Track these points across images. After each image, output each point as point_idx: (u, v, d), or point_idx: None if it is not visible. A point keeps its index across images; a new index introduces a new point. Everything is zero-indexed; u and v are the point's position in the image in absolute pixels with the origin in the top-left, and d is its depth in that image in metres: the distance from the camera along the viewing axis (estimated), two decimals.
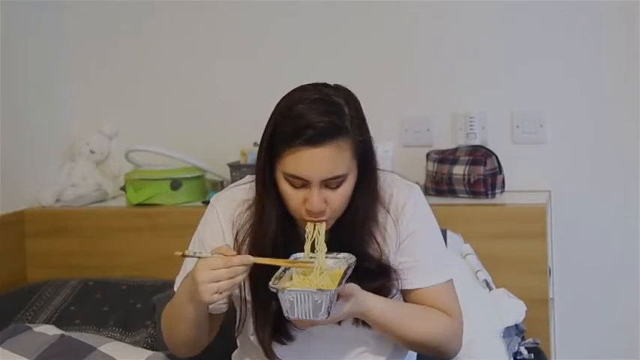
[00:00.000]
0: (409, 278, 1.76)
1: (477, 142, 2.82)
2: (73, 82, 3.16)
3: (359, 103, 1.70)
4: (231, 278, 1.59)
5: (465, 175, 2.71)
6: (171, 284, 1.84)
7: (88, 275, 2.76)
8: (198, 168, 2.96)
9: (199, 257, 1.63)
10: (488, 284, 2.35)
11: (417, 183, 1.86)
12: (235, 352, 1.92)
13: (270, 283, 1.57)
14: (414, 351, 1.86)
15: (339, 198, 1.66)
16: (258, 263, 1.62)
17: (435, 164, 2.78)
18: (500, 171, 2.76)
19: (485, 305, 2.26)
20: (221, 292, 1.60)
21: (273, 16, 3.01)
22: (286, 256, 1.67)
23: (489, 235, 2.58)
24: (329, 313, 1.56)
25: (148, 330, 2.47)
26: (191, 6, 3.07)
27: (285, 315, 1.58)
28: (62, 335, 2.11)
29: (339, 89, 1.70)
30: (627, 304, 2.80)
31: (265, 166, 1.69)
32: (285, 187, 1.66)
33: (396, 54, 2.93)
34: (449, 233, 2.39)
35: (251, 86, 3.02)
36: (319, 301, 1.54)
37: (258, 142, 1.71)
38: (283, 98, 1.69)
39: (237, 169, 2.87)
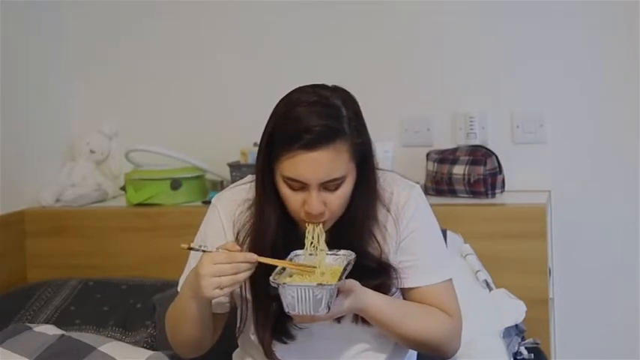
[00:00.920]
0: (409, 277, 1.77)
1: (477, 142, 2.82)
2: (73, 82, 3.16)
3: (357, 104, 1.70)
4: (233, 274, 1.59)
5: (465, 175, 2.71)
6: (172, 284, 1.85)
7: (88, 275, 2.76)
8: (198, 168, 2.96)
9: (204, 251, 1.63)
10: (488, 284, 2.36)
11: (417, 183, 1.86)
12: (236, 351, 1.92)
13: (271, 278, 1.57)
14: (413, 349, 1.86)
15: (337, 200, 1.66)
16: (261, 263, 1.62)
17: (435, 164, 2.78)
18: (500, 171, 2.75)
19: (486, 305, 2.26)
20: (222, 288, 1.60)
21: (273, 16, 3.01)
22: (286, 257, 1.67)
23: (489, 235, 2.58)
24: (329, 308, 1.57)
25: (148, 330, 2.47)
26: (191, 6, 3.07)
27: (286, 310, 1.58)
28: (62, 335, 2.11)
29: (337, 90, 1.70)
30: (627, 304, 2.80)
31: (264, 168, 1.69)
32: (284, 189, 1.67)
33: (396, 54, 2.93)
34: (449, 233, 2.39)
35: (251, 86, 3.02)
36: (320, 296, 1.55)
37: (258, 142, 1.72)
38: (281, 100, 1.69)
39: (237, 169, 2.86)
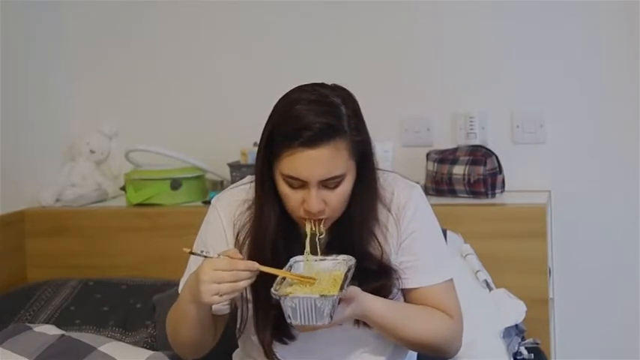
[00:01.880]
0: (410, 277, 1.77)
1: (477, 142, 2.82)
2: (73, 82, 3.16)
3: (357, 103, 1.71)
4: (233, 282, 1.58)
5: (465, 175, 2.71)
6: (172, 284, 1.85)
7: (88, 275, 2.76)
8: (198, 168, 2.96)
9: (205, 257, 1.63)
10: (488, 284, 2.35)
11: (417, 183, 1.86)
12: (236, 351, 1.92)
13: (272, 290, 1.56)
14: (415, 351, 1.86)
15: (337, 198, 1.66)
16: (264, 271, 1.61)
17: (435, 164, 2.78)
18: (500, 171, 2.75)
19: (486, 305, 2.26)
20: (221, 295, 1.59)
21: (273, 16, 3.01)
22: (287, 257, 1.67)
23: (489, 235, 2.58)
24: (331, 318, 1.57)
25: (148, 330, 2.47)
26: (191, 6, 3.07)
27: (288, 321, 1.58)
28: (62, 335, 2.11)
29: (336, 89, 1.70)
30: (627, 304, 2.80)
31: (264, 167, 1.69)
32: (283, 187, 1.67)
33: (396, 54, 2.93)
34: (449, 233, 2.39)
35: (251, 86, 3.02)
36: (321, 307, 1.54)
37: (258, 141, 1.72)
38: (281, 98, 1.70)
39: (237, 169, 2.86)
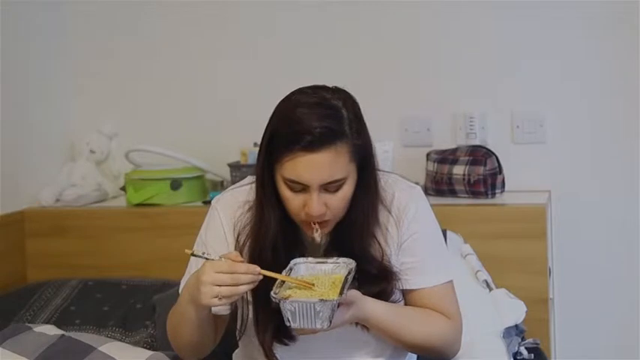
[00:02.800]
0: (410, 279, 1.77)
1: (477, 142, 2.82)
2: (73, 82, 3.16)
3: (358, 105, 1.70)
4: (233, 286, 1.58)
5: (464, 175, 2.71)
6: (172, 284, 1.85)
7: (88, 275, 2.76)
8: (198, 168, 2.96)
9: (207, 258, 1.62)
10: (488, 284, 2.35)
11: (417, 183, 1.86)
12: (236, 351, 1.92)
13: (272, 293, 1.56)
14: (414, 353, 1.86)
15: (338, 201, 1.66)
16: (265, 275, 1.61)
17: (435, 164, 2.78)
18: (500, 171, 2.75)
19: (486, 305, 2.26)
20: (220, 298, 1.58)
21: (273, 16, 3.01)
22: (287, 259, 1.67)
23: (489, 235, 2.58)
24: (331, 322, 1.56)
25: (148, 330, 2.47)
26: (191, 6, 3.07)
27: (287, 324, 1.57)
28: (62, 335, 2.11)
29: (337, 92, 1.69)
30: (627, 304, 2.80)
31: (264, 170, 1.69)
32: (284, 191, 1.66)
33: (396, 54, 2.93)
34: (449, 233, 2.39)
35: (251, 86, 3.02)
36: (321, 311, 1.54)
37: (258, 142, 1.71)
38: (282, 101, 1.69)
39: (237, 169, 2.86)
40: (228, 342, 1.89)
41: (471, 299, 2.03)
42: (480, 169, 2.69)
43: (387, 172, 1.83)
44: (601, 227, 2.81)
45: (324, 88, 1.70)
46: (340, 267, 1.65)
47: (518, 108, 2.86)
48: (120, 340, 2.33)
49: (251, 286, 1.60)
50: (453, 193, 2.74)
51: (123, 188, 3.00)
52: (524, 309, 2.28)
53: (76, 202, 2.96)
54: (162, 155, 2.93)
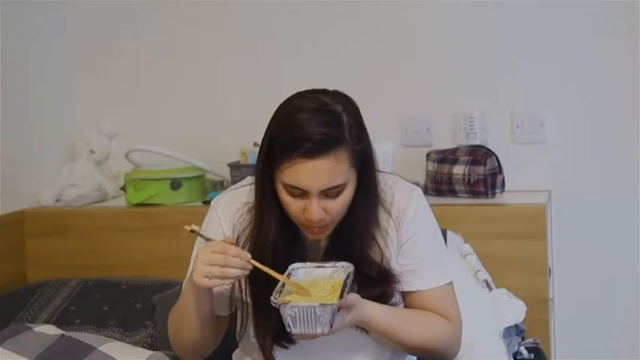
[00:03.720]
0: (410, 281, 1.77)
1: (477, 142, 2.82)
2: (73, 82, 3.16)
3: (358, 110, 1.69)
4: (223, 267, 1.58)
5: (464, 175, 2.71)
6: (172, 284, 1.85)
7: (88, 275, 2.76)
8: (198, 168, 2.96)
9: (207, 239, 1.64)
10: (488, 284, 2.35)
11: (417, 183, 1.86)
12: (236, 351, 1.92)
13: (272, 298, 1.56)
14: (414, 355, 1.86)
15: (338, 206, 1.66)
16: (256, 267, 1.61)
17: (435, 164, 2.78)
18: (500, 171, 2.75)
19: (486, 305, 2.26)
20: (211, 279, 1.59)
21: (273, 16, 3.01)
22: (287, 261, 1.67)
23: (489, 235, 2.58)
24: (331, 326, 1.56)
25: (147, 330, 2.47)
26: (191, 6, 3.07)
27: (287, 329, 1.57)
28: (62, 335, 2.11)
29: (337, 96, 1.68)
30: (627, 304, 2.80)
31: (264, 174, 1.68)
32: (284, 196, 1.66)
33: (396, 54, 2.93)
34: (449, 233, 2.39)
35: (251, 86, 3.02)
36: (321, 316, 1.54)
37: (258, 142, 1.71)
38: (281, 105, 1.68)
39: (237, 169, 2.86)
40: (228, 342, 1.90)
41: (470, 299, 2.03)
42: (480, 169, 2.69)
43: (386, 172, 1.83)
44: (601, 227, 2.81)
45: (324, 92, 1.68)
46: (339, 271, 1.65)
47: (518, 108, 2.86)
48: (120, 340, 2.33)
49: (241, 273, 1.60)
50: (453, 193, 2.74)
51: (123, 188, 3.00)
52: (524, 309, 2.28)
53: (76, 202, 2.96)
54: (162, 155, 2.93)
